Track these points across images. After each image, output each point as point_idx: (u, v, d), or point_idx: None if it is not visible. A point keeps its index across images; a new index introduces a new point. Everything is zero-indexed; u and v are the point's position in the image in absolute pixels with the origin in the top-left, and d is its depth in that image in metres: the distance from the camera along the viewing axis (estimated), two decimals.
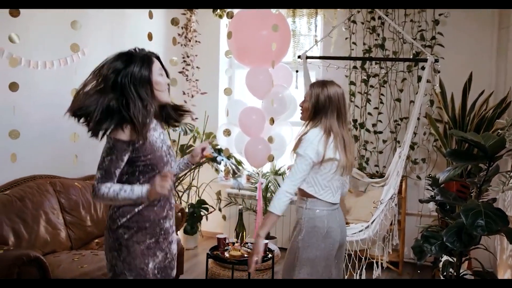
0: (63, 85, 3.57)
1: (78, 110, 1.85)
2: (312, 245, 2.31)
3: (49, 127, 3.68)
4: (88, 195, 3.72)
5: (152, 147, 1.93)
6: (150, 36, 3.15)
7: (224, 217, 4.98)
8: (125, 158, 1.88)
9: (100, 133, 1.86)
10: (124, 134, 1.84)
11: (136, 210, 1.94)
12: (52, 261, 3.00)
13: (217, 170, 5.05)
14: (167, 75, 2.02)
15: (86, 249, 3.48)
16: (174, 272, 2.14)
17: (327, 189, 2.35)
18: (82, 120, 1.88)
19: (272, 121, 3.87)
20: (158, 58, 2.00)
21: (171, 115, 2.09)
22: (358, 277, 3.28)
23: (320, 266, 2.33)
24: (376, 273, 3.45)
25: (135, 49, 1.95)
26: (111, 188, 1.85)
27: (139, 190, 1.86)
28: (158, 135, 1.99)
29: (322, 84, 2.39)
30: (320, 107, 2.34)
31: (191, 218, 4.81)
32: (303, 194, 2.35)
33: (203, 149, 2.26)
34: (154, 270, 2.00)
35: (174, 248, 2.13)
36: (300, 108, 2.47)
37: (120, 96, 1.85)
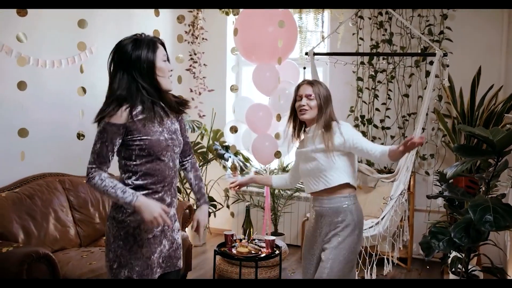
0: (71, 83, 3.60)
1: None
2: (361, 237, 2.39)
3: (58, 125, 3.71)
4: (97, 193, 3.74)
5: (148, 130, 1.88)
6: (156, 34, 3.15)
7: (232, 214, 4.99)
8: (117, 141, 1.86)
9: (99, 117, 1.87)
10: (115, 117, 1.83)
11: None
12: (61, 258, 3.03)
13: (224, 167, 5.06)
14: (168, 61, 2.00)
15: (95, 246, 3.51)
16: (181, 263, 2.10)
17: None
18: None
19: (279, 117, 3.87)
20: (163, 44, 1.98)
21: (174, 106, 2.05)
22: (368, 273, 3.27)
23: None
24: (387, 269, 3.44)
25: (141, 34, 1.95)
26: (104, 182, 1.83)
27: (129, 197, 1.81)
28: (160, 119, 1.94)
29: (319, 82, 2.47)
30: (328, 104, 2.40)
31: None
32: (348, 191, 2.36)
33: (197, 222, 2.16)
34: (159, 259, 1.99)
35: (178, 236, 2.10)
36: (304, 106, 2.38)
37: (122, 77, 1.87)
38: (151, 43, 1.91)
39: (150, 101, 1.90)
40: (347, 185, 2.36)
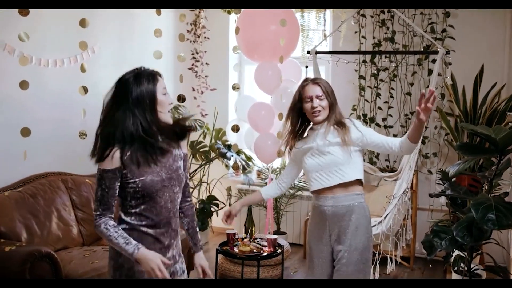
0: (73, 83, 3.61)
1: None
2: (372, 235, 2.36)
3: (60, 124, 3.72)
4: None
5: (142, 171, 1.82)
6: (157, 33, 3.15)
7: None
8: (116, 185, 1.83)
9: (93, 156, 1.84)
10: (108, 163, 1.79)
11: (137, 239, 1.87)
12: (63, 257, 3.04)
13: (227, 166, 5.06)
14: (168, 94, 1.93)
15: (98, 245, 3.52)
16: None
17: None
18: None
19: (281, 116, 3.86)
20: (161, 76, 1.92)
21: (176, 133, 1.96)
22: (371, 272, 3.26)
23: None
24: (390, 268, 3.43)
25: (141, 68, 1.89)
26: (108, 231, 1.81)
27: (131, 249, 1.78)
28: (159, 157, 1.86)
29: (322, 79, 2.44)
30: (336, 99, 2.38)
31: (202, 214, 4.82)
32: (359, 188, 2.33)
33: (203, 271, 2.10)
34: None
35: (182, 278, 2.03)
36: (317, 107, 2.31)
37: (118, 111, 1.80)
38: (151, 76, 1.85)
39: (148, 139, 1.82)
40: (359, 182, 2.33)
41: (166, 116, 1.88)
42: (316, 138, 2.36)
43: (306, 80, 2.41)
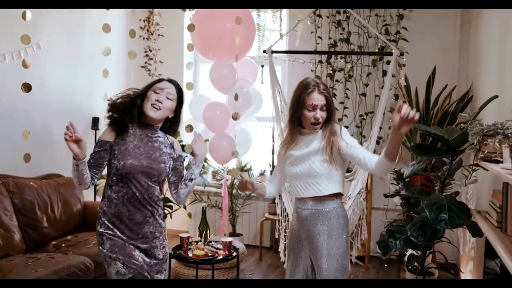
0: (16, 79, 3.38)
1: None
2: (348, 240, 2.29)
3: (2, 123, 3.49)
4: (44, 195, 3.54)
5: (124, 153, 2.11)
6: (106, 28, 3.00)
7: (189, 215, 4.87)
8: (102, 154, 2.13)
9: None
10: (104, 135, 2.16)
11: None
12: (3, 266, 2.84)
13: None
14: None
15: (43, 251, 3.31)
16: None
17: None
18: None
19: (235, 116, 3.79)
20: (172, 82, 2.39)
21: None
22: None
23: None
24: None
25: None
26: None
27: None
28: (140, 143, 2.17)
29: (325, 84, 2.31)
30: (334, 111, 2.32)
31: None
32: (336, 195, 2.23)
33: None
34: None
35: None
36: (319, 119, 2.19)
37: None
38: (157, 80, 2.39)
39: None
40: (337, 194, 2.25)
41: (148, 108, 2.23)
42: (300, 144, 2.26)
43: (309, 85, 2.21)
